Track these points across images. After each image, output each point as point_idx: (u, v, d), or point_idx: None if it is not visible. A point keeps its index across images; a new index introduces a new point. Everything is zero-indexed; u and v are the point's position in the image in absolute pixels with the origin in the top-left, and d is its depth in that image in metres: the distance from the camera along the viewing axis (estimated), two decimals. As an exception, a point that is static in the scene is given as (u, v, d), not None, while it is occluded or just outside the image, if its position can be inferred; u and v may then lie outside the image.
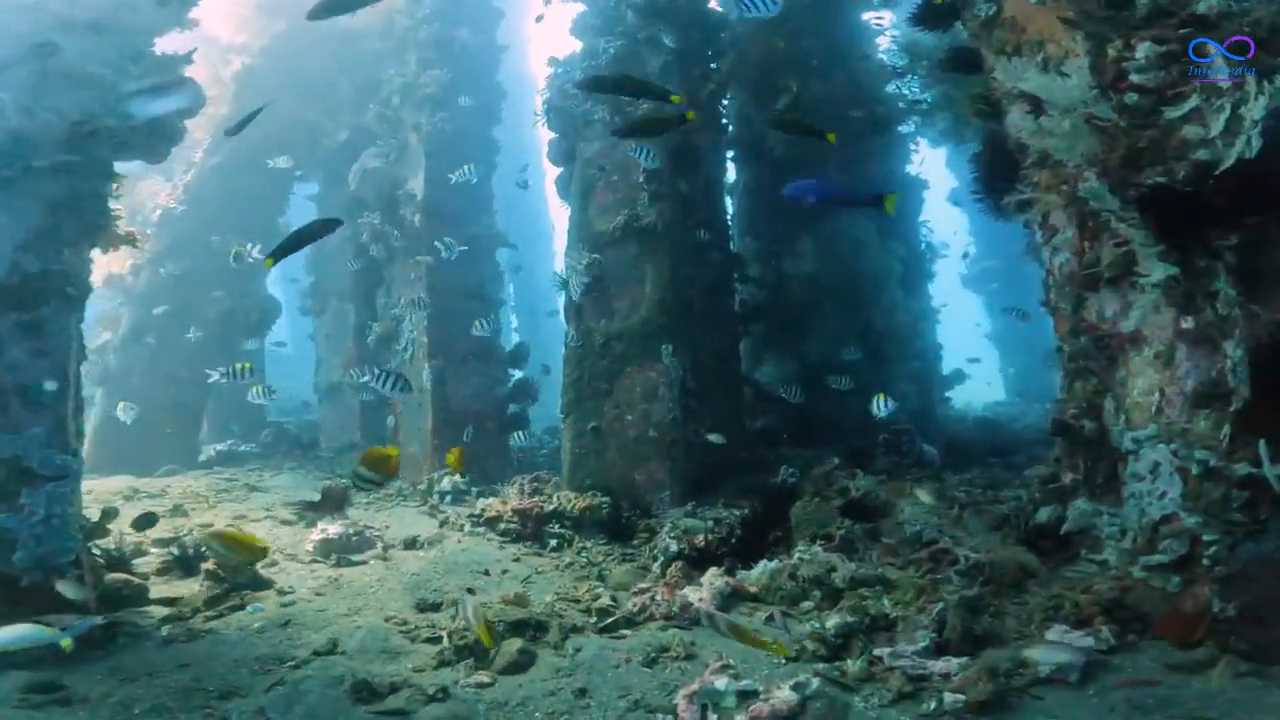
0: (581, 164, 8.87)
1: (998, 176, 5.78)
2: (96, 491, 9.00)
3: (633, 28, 9.30)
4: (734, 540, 6.74)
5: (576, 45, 9.66)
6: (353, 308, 12.73)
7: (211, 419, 13.08)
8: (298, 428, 13.93)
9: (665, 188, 8.24)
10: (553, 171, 9.93)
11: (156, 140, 5.82)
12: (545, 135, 9.94)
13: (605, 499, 7.41)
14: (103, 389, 11.20)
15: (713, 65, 9.46)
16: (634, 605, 5.20)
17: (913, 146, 12.73)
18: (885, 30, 11.93)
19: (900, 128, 11.87)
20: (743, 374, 9.65)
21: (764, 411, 9.93)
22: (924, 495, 6.64)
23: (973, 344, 18.57)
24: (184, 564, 6.47)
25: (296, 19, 13.07)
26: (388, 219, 10.48)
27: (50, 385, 4.83)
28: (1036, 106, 5.04)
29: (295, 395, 16.52)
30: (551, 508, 7.34)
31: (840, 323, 9.76)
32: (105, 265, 10.85)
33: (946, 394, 13.05)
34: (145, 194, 12.64)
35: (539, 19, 12.98)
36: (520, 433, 9.74)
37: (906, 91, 11.70)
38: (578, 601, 5.52)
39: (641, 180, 8.18)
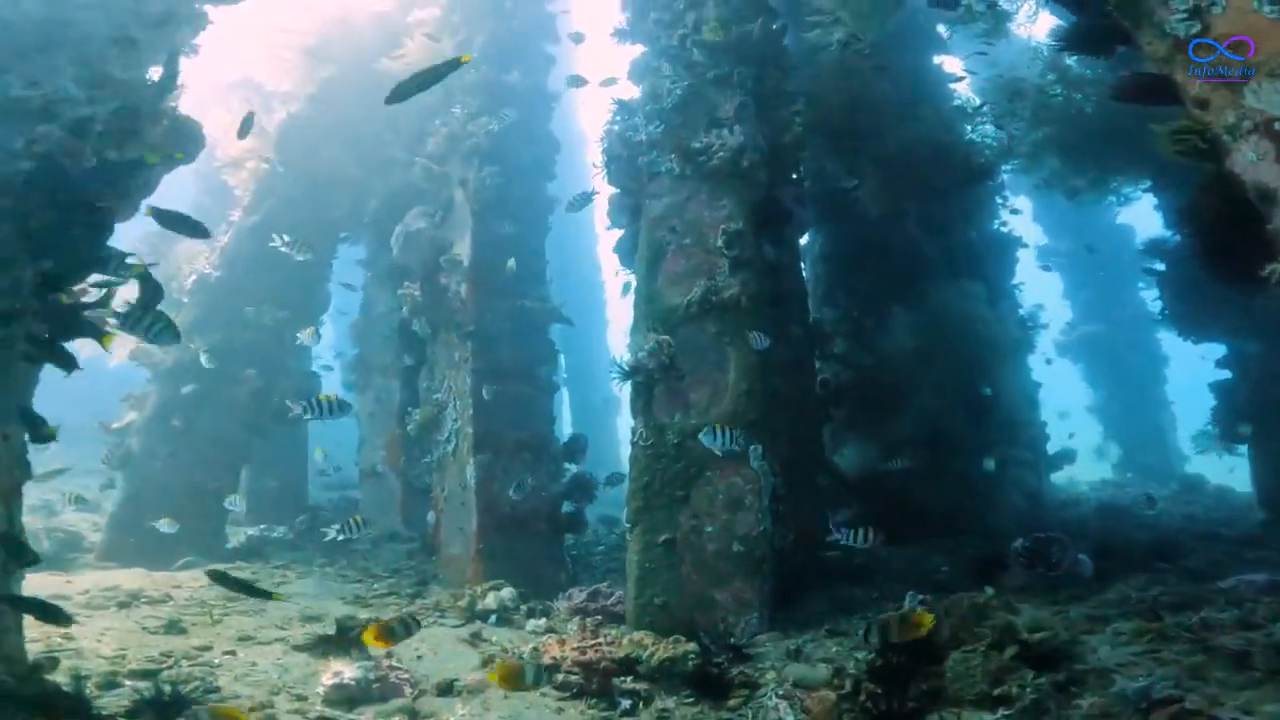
0: (648, 225, 7.44)
1: (1226, 232, 4.18)
2: (97, 588, 7.77)
3: (700, 66, 8.00)
4: (865, 699, 4.95)
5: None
6: (398, 384, 11.43)
7: (251, 498, 11.87)
8: (335, 512, 12.59)
9: (749, 253, 6.74)
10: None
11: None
12: (595, 191, 8.68)
13: (690, 646, 5.69)
14: (123, 473, 10.01)
15: (795, 112, 8.04)
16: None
17: (1000, 200, 11.10)
18: (964, 73, 10.48)
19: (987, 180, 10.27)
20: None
21: (844, 503, 8.22)
22: (1126, 627, 4.85)
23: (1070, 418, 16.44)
24: (158, 710, 4.95)
25: (346, 64, 12.07)
26: (430, 289, 9.13)
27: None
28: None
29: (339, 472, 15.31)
30: (622, 655, 5.66)
31: (939, 400, 8.01)
32: (132, 338, 9.78)
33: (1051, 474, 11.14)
34: (183, 257, 11.58)
35: (578, 38, 11.92)
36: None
37: (993, 139, 10.14)
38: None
39: (720, 244, 6.69)
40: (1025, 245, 10.69)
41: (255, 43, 12.59)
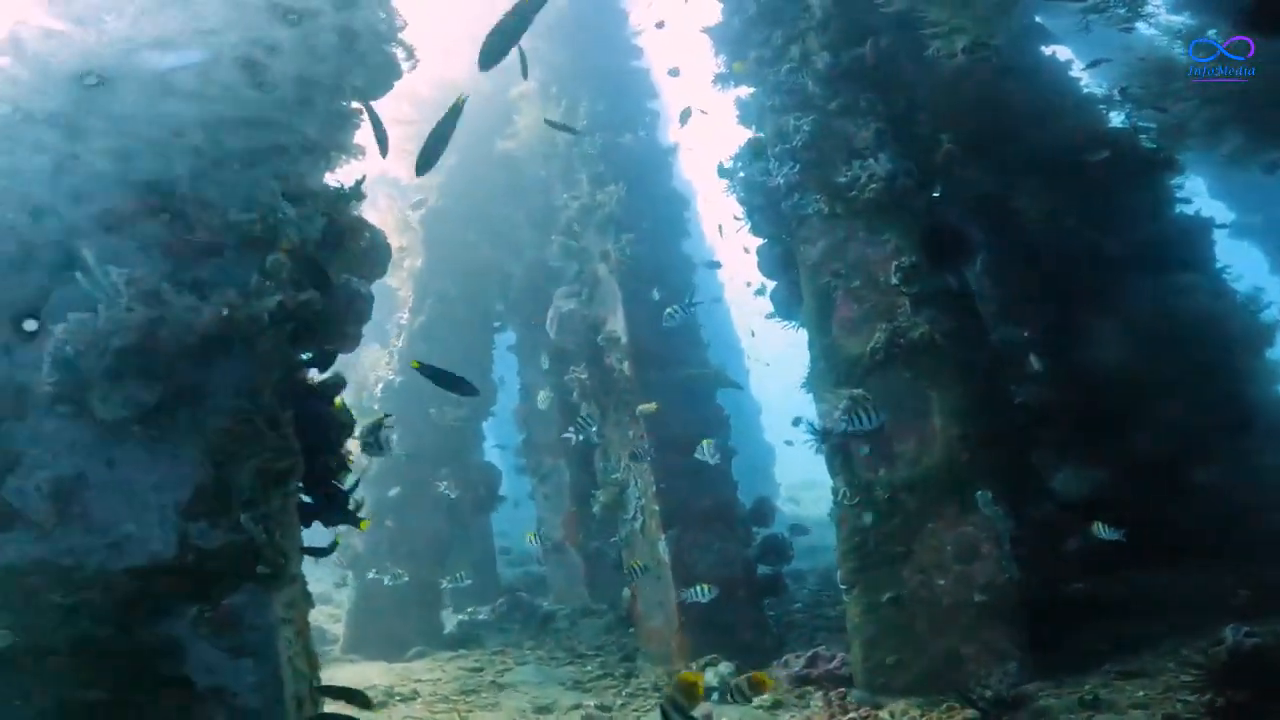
0: (807, 272, 7.17)
1: None
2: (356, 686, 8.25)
3: (818, 98, 7.75)
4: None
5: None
6: (565, 463, 11.60)
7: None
8: (527, 588, 12.87)
9: (930, 287, 6.29)
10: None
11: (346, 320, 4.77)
12: (727, 242, 8.53)
13: (969, 713, 5.23)
14: (352, 571, 10.67)
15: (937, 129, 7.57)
16: None
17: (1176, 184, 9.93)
18: (1091, 62, 9.55)
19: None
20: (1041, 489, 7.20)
21: (1070, 532, 7.36)
22: None
23: None
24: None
25: (464, 149, 12.02)
26: (596, 371, 9.19)
27: (254, 701, 3.61)
28: None
29: (521, 551, 15.71)
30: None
31: (1180, 410, 7.06)
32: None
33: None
34: (368, 364, 12.17)
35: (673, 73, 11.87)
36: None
37: (1152, 124, 9.11)
38: None
39: (896, 281, 6.30)
40: (1223, 226, 9.41)
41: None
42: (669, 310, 7.80)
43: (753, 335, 14.50)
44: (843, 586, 6.38)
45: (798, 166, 7.65)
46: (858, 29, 7.94)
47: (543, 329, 10.86)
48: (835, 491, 6.33)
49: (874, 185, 6.91)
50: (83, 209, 3.97)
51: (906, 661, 5.99)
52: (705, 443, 7.63)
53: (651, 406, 8.08)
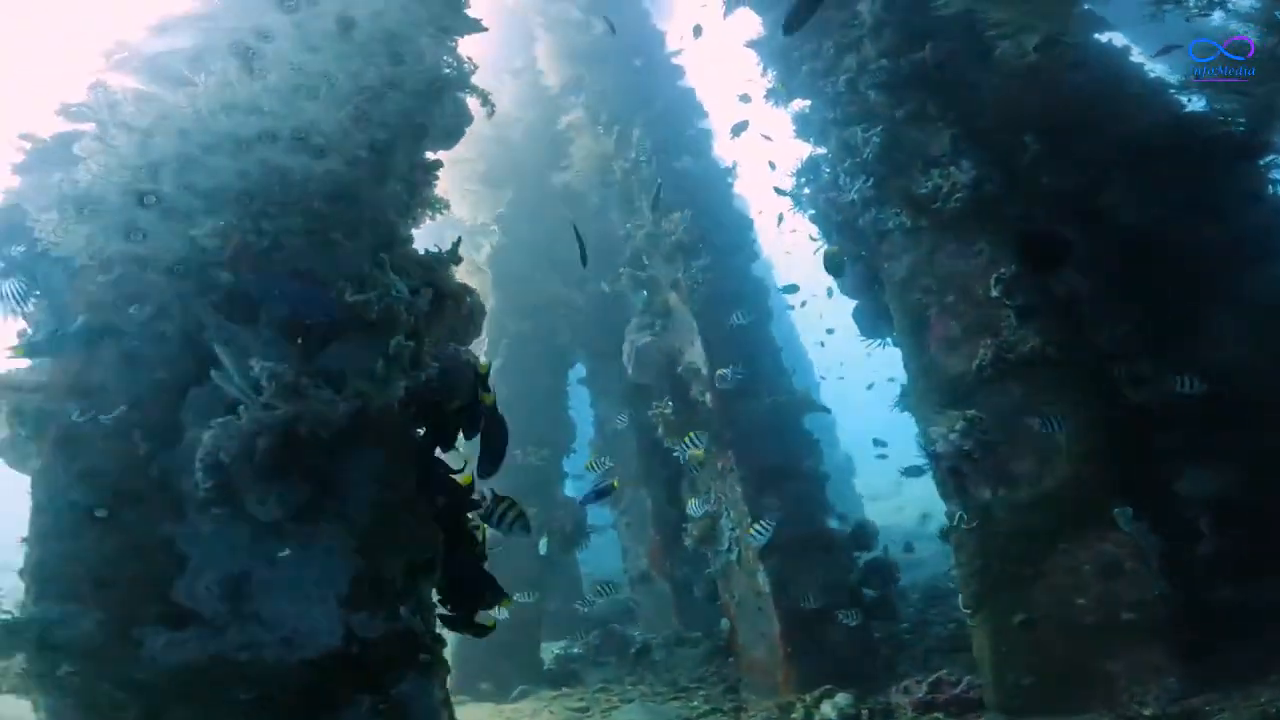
0: (894, 290, 6.98)
1: None
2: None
3: (883, 108, 7.58)
4: None
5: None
6: (646, 493, 11.52)
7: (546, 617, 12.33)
8: (615, 618, 12.79)
9: (1033, 296, 6.04)
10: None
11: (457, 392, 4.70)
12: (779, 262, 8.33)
13: None
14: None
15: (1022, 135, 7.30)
16: None
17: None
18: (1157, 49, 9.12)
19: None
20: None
21: (1198, 534, 6.95)
22: None
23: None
24: None
25: (520, 184, 12.37)
26: (680, 406, 9.07)
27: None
28: None
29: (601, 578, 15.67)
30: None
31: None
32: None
33: None
34: None
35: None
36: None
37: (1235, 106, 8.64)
38: None
39: (997, 293, 6.07)
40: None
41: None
42: (736, 315, 7.66)
43: (822, 346, 14.27)
44: (967, 610, 6.15)
45: (871, 180, 7.49)
46: (912, 33, 7.76)
47: (611, 359, 10.81)
48: (950, 516, 6.11)
49: (959, 194, 6.72)
50: (204, 297, 4.02)
51: (1044, 683, 5.76)
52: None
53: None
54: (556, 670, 11.03)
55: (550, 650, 11.79)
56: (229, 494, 3.53)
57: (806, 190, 8.81)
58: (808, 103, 9.23)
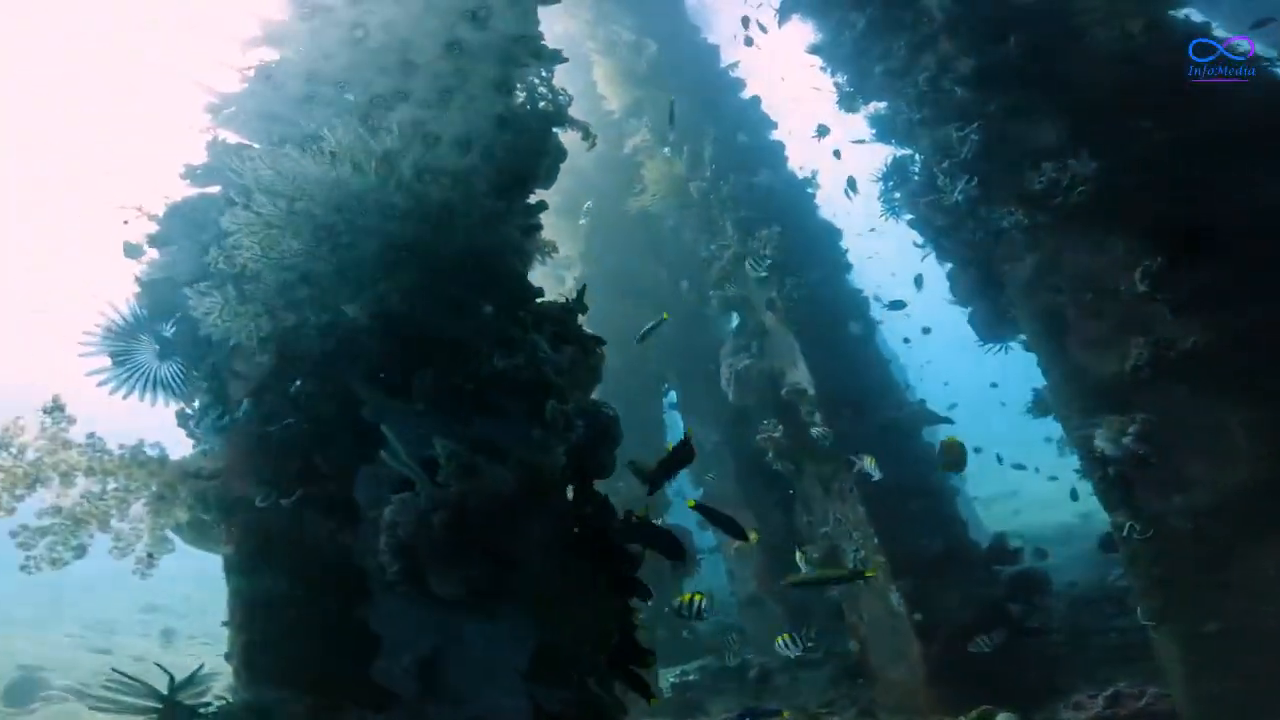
0: (1020, 293, 6.63)
1: None
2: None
3: (975, 104, 7.23)
4: None
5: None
6: (751, 515, 11.26)
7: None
8: (722, 639, 12.49)
9: (1187, 291, 5.61)
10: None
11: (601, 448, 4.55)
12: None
13: None
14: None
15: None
16: None
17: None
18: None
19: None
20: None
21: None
22: None
23: None
24: None
25: (599, 212, 12.15)
26: (790, 429, 8.79)
27: None
28: None
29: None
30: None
31: None
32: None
33: None
34: None
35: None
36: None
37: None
38: None
39: (1146, 288, 5.65)
40: None
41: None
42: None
43: (906, 342, 13.79)
44: (1149, 623, 5.72)
45: (975, 180, 7.17)
46: (990, 25, 7.43)
47: (697, 380, 10.62)
48: (1119, 527, 5.69)
49: (1081, 187, 6.33)
50: (357, 367, 3.99)
51: (1242, 691, 5.30)
52: (869, 459, 7.15)
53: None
54: (675, 700, 10.77)
55: (666, 678, 11.56)
56: (413, 573, 3.47)
57: (897, 195, 8.52)
58: (882, 105, 8.97)
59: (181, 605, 17.20)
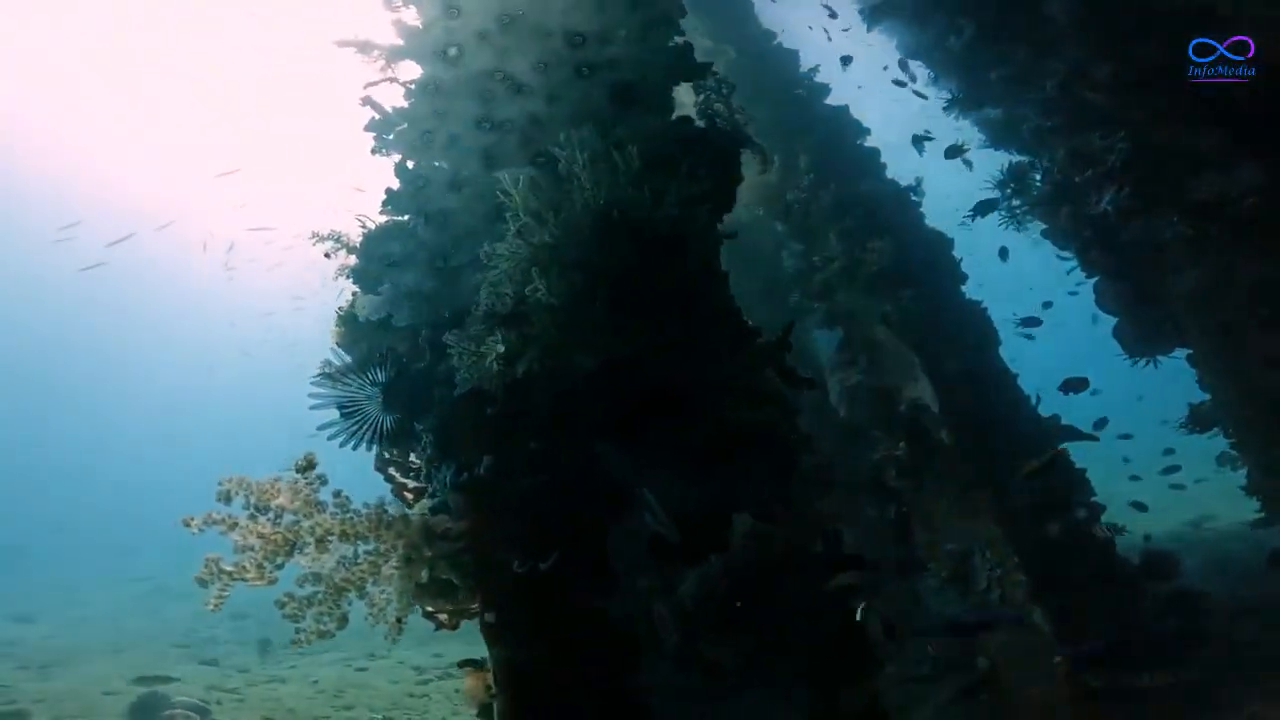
0: (1185, 306, 6.41)
1: None
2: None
3: (1116, 111, 7.01)
4: None
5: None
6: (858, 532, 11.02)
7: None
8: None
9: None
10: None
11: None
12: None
13: None
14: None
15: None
16: None
17: None
18: None
19: None
20: None
21: None
22: None
23: None
24: None
25: None
26: (913, 446, 8.52)
27: None
28: None
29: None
30: None
31: None
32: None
33: None
34: None
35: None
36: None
37: None
38: None
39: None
40: None
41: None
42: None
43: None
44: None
45: (1126, 190, 6.91)
46: (1119, 31, 7.14)
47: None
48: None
49: (1252, 197, 6.05)
50: (591, 419, 3.80)
51: None
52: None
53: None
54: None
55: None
56: (691, 640, 3.30)
57: (1015, 203, 8.28)
58: (997, 110, 8.71)
59: (266, 612, 17.17)
